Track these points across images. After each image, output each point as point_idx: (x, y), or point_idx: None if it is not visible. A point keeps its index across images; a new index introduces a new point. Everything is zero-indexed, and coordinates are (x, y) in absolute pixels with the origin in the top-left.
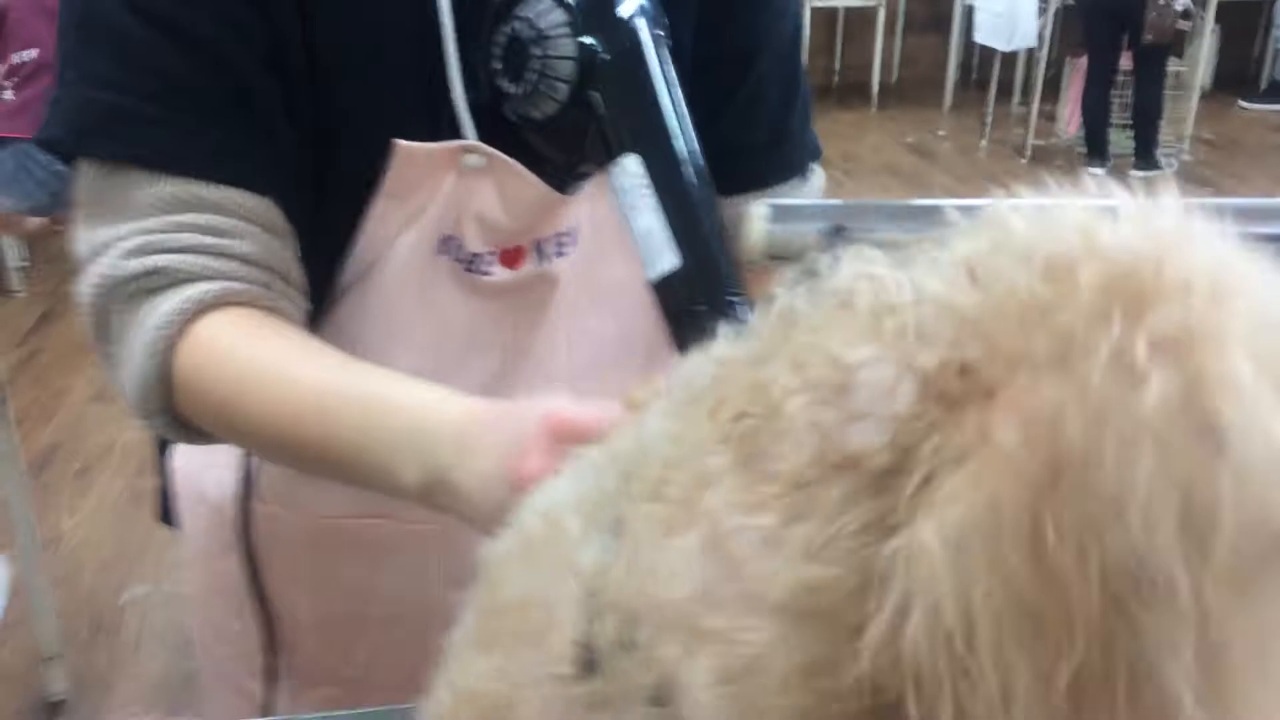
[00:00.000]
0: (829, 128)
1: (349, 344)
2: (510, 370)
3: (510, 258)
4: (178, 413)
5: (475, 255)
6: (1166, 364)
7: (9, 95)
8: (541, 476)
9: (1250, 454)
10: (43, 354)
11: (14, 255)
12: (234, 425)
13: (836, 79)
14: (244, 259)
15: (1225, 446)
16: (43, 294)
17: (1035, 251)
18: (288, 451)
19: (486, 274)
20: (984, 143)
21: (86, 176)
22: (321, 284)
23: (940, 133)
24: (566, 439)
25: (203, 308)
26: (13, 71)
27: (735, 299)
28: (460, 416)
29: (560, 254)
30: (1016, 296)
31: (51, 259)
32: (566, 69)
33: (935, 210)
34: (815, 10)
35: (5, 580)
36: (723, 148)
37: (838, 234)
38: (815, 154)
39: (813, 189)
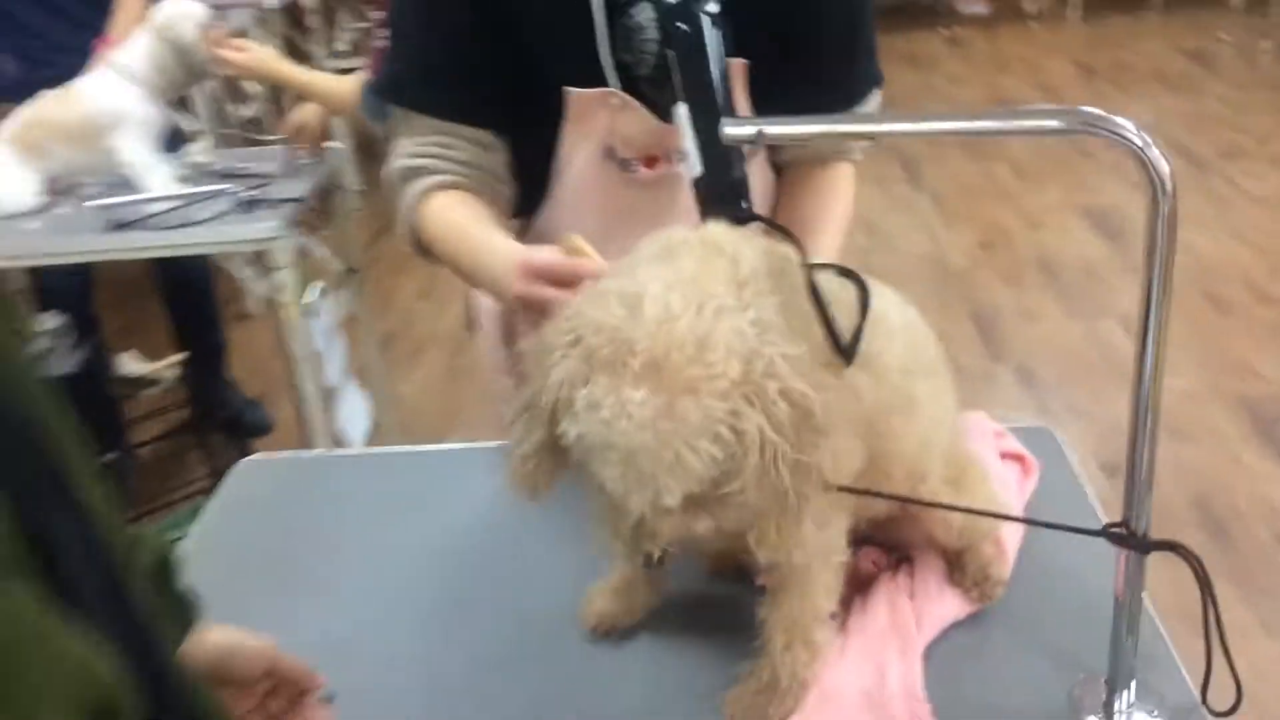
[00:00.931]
0: (1101, 34)
1: (560, 216)
2: None
3: (649, 162)
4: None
5: (626, 160)
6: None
7: (380, 43)
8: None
9: None
10: (377, 263)
11: (353, 181)
12: (442, 259)
13: None
14: (462, 163)
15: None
16: (376, 213)
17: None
18: (458, 274)
19: (635, 173)
20: (1269, 44)
21: (395, 111)
22: (541, 181)
23: (1223, 36)
24: (530, 272)
25: (433, 188)
26: (383, 24)
27: (739, 201)
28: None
29: (681, 160)
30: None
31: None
32: (652, 46)
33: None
34: None
35: (367, 412)
36: (797, 84)
37: None
38: (874, 83)
39: (866, 108)
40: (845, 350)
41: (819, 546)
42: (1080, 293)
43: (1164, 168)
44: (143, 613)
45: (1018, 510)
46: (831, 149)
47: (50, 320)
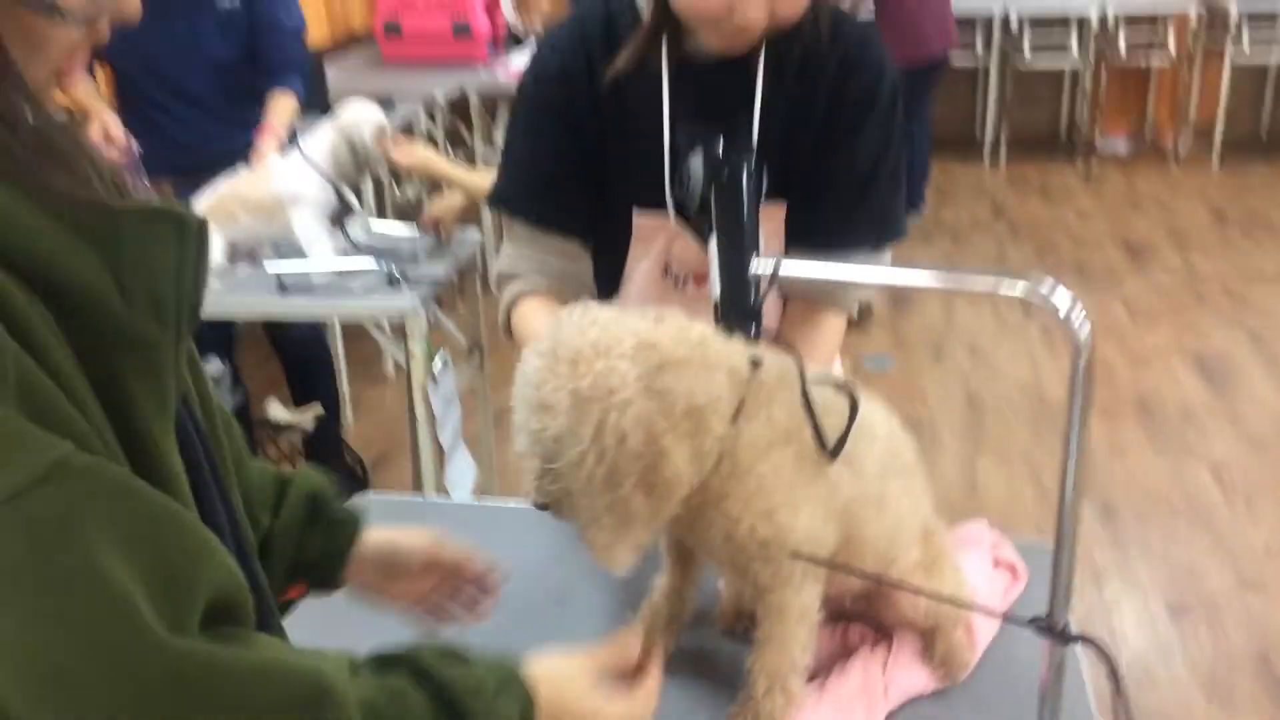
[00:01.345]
0: (1241, 181)
1: None
2: None
3: (699, 279)
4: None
5: (679, 276)
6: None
7: None
8: None
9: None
10: (500, 340)
11: (489, 265)
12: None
13: (1264, 135)
14: (548, 273)
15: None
16: None
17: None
18: None
19: (686, 288)
20: None
21: (502, 218)
22: (611, 289)
23: None
24: None
25: (524, 294)
26: None
27: (751, 322)
28: None
29: None
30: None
31: None
32: (699, 189)
33: None
34: (1238, 68)
35: (474, 474)
36: (811, 218)
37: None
38: (893, 235)
39: (879, 259)
40: (830, 450)
41: (796, 608)
42: (1173, 434)
43: (1082, 336)
44: (261, 579)
45: (996, 606)
46: (821, 294)
47: (212, 366)
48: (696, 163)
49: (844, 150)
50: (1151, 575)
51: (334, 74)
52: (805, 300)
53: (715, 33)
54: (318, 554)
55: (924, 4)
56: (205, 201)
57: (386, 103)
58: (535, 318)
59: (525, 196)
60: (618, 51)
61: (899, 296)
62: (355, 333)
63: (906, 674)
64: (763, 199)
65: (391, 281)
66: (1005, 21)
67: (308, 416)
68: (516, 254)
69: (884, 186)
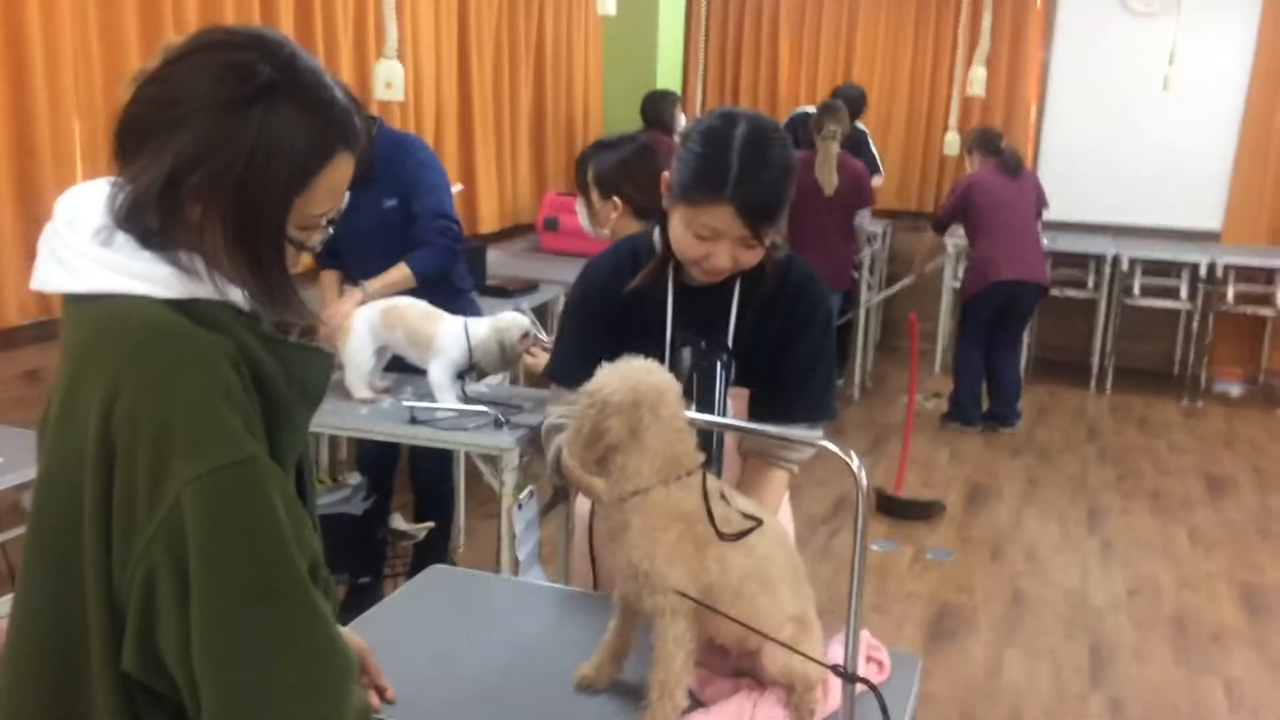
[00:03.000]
0: None
1: None
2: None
3: None
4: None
5: None
6: None
7: None
8: None
9: None
10: None
11: None
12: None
13: None
14: None
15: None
16: None
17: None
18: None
19: None
20: None
21: (550, 386)
22: None
23: None
24: None
25: None
26: None
27: (714, 464)
28: None
29: None
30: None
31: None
32: (687, 374)
33: None
34: None
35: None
36: (767, 400)
37: None
38: (825, 416)
39: (813, 435)
40: (719, 535)
41: (672, 635)
42: (1197, 649)
43: (864, 480)
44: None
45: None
46: (770, 455)
47: (355, 478)
48: (686, 355)
49: (791, 353)
50: None
51: (495, 256)
52: (758, 459)
53: (697, 269)
54: None
55: (996, 245)
56: (387, 302)
57: (533, 285)
58: None
59: (574, 372)
60: (639, 273)
61: (974, 498)
62: (477, 474)
63: (769, 711)
64: (731, 385)
65: (497, 424)
66: (1115, 260)
67: (421, 530)
68: (565, 411)
69: (818, 380)
